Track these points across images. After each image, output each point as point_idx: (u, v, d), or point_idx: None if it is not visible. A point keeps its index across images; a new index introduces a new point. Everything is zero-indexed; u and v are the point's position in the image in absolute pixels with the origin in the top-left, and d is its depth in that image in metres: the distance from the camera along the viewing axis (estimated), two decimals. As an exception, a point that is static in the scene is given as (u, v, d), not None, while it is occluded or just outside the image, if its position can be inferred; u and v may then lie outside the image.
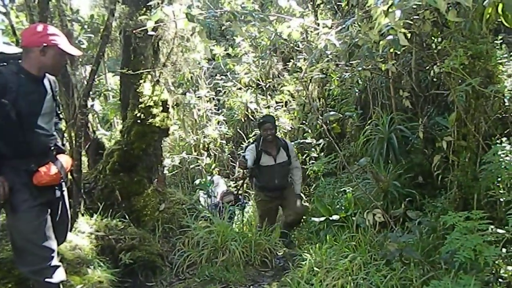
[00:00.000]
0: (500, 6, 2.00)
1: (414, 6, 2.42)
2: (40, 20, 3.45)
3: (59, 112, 2.60)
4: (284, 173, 4.80)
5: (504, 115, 3.09)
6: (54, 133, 2.48)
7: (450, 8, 2.62)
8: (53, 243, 2.39)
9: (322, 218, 4.42)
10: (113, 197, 4.24)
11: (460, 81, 3.08)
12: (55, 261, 2.39)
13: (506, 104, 3.04)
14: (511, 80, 3.04)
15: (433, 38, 3.51)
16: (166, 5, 2.71)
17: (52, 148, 2.46)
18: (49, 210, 2.41)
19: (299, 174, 4.95)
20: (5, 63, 2.27)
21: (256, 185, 4.97)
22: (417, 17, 3.21)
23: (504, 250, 2.37)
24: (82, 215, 3.77)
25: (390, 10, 2.03)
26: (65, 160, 2.51)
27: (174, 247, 4.09)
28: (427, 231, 3.19)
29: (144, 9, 4.23)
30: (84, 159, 4.92)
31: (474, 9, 2.61)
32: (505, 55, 3.11)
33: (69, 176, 2.82)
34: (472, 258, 2.17)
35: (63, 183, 2.54)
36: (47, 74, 2.46)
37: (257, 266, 3.92)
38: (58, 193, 2.48)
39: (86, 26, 4.54)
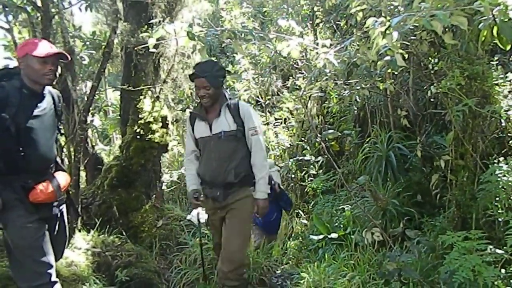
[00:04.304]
0: (495, 28, 2.04)
1: (411, 27, 2.46)
2: (43, 37, 3.50)
3: (60, 127, 2.61)
4: (227, 154, 2.80)
5: (501, 135, 3.11)
6: (54, 149, 2.49)
7: (446, 30, 2.67)
8: (51, 258, 2.37)
9: (321, 236, 4.39)
10: (111, 213, 4.23)
11: (457, 101, 3.12)
12: (54, 277, 2.37)
13: (503, 124, 3.06)
14: (507, 100, 3.07)
15: (430, 58, 3.56)
16: (168, 23, 2.75)
17: (52, 165, 2.46)
18: (46, 226, 2.40)
19: (261, 164, 2.83)
20: (8, 78, 2.30)
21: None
22: (414, 37, 3.26)
23: (503, 270, 2.36)
24: (79, 231, 3.75)
25: (387, 31, 2.07)
26: (62, 178, 2.50)
27: (171, 264, 4.05)
28: (426, 250, 3.17)
29: (146, 26, 4.30)
30: (83, 174, 4.91)
31: (470, 31, 2.66)
32: (501, 76, 3.15)
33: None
34: (471, 278, 2.16)
35: (62, 201, 2.52)
36: (51, 90, 2.48)
37: (255, 285, 3.86)
38: (55, 210, 2.47)
39: (88, 43, 4.59)
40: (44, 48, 2.32)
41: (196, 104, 2.99)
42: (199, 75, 2.74)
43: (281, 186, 4.67)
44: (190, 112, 3.02)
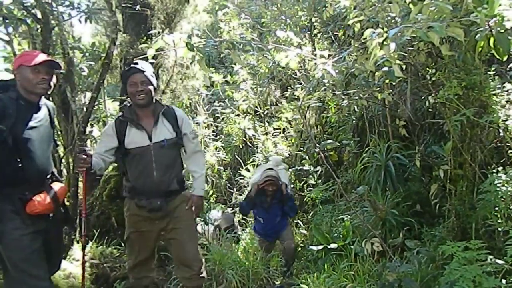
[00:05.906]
0: (492, 39, 2.06)
1: (409, 38, 2.49)
2: (43, 48, 3.52)
3: (55, 138, 2.61)
4: (169, 161, 2.78)
5: (499, 144, 3.12)
6: (51, 160, 2.48)
7: (443, 41, 2.70)
8: (45, 272, 2.34)
9: (320, 247, 4.37)
10: (109, 224, 4.21)
11: (455, 111, 3.13)
12: None
13: (501, 134, 3.07)
14: (505, 110, 3.08)
15: (427, 68, 3.58)
16: (167, 34, 2.77)
17: (48, 176, 2.45)
18: (41, 239, 2.37)
19: (203, 163, 2.99)
20: (4, 90, 2.30)
21: (125, 188, 2.88)
22: (411, 48, 3.29)
23: (504, 281, 2.34)
24: (77, 242, 3.72)
25: (385, 42, 2.08)
26: (59, 189, 2.49)
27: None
28: (426, 260, 3.16)
29: (145, 37, 4.33)
30: (81, 185, 4.89)
31: (467, 42, 2.68)
32: (498, 86, 3.17)
33: (66, 202, 2.79)
34: (471, 289, 2.15)
35: (57, 212, 2.50)
36: (46, 101, 2.48)
37: (254, 296, 3.84)
38: (51, 222, 2.45)
39: (87, 54, 4.61)
40: (36, 57, 2.35)
41: (128, 109, 2.82)
42: (139, 70, 2.70)
43: (289, 190, 4.44)
44: (120, 117, 2.79)
